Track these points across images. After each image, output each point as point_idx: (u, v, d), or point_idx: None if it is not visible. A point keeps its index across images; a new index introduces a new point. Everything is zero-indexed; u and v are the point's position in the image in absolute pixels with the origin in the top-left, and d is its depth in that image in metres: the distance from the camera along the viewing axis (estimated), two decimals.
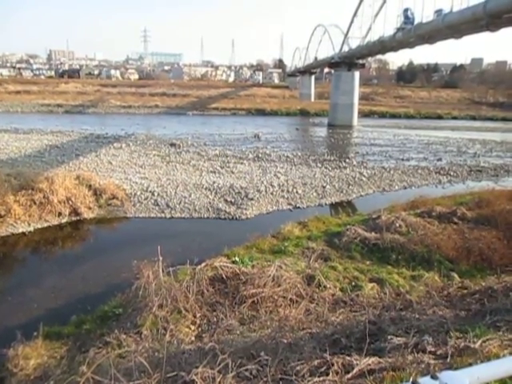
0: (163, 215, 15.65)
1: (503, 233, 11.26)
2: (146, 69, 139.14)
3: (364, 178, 22.67)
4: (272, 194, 18.61)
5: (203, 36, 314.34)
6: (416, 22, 35.25)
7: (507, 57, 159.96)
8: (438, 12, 31.23)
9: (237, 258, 9.41)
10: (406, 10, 36.81)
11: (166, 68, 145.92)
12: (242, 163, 25.35)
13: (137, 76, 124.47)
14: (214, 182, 19.93)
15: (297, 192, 19.06)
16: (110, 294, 8.33)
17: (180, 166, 24.02)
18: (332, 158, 28.50)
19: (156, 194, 17.72)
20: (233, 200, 17.35)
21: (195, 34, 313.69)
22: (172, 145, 31.70)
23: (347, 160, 28.04)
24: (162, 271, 7.65)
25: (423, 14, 34.03)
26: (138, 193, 17.79)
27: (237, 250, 10.58)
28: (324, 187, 20.18)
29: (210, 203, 16.87)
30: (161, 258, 7.69)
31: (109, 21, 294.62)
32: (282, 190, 19.20)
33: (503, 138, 45.10)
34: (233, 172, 22.69)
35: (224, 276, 7.95)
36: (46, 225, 14.07)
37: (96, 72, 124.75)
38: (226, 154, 28.68)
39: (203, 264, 8.29)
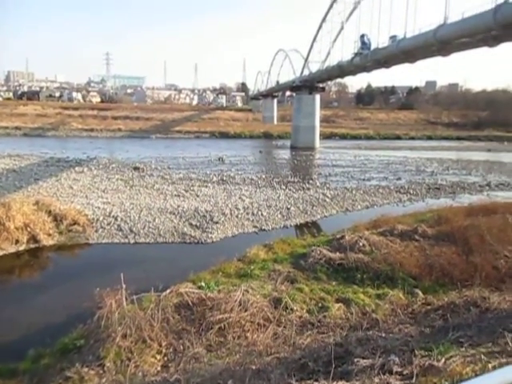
0: (127, 241, 15.29)
1: (462, 248, 11.65)
2: (108, 92, 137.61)
3: (327, 198, 23.03)
4: (237, 216, 18.57)
5: (166, 59, 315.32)
6: (372, 47, 36.75)
7: (458, 79, 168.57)
8: (393, 38, 32.75)
9: (203, 283, 9.27)
10: (362, 36, 38.38)
11: (129, 91, 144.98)
12: (206, 186, 25.27)
13: (99, 99, 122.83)
14: (178, 206, 19.71)
15: (262, 214, 19.11)
16: (71, 325, 7.98)
17: (144, 190, 23.67)
18: (296, 180, 28.87)
19: (119, 219, 17.33)
20: (198, 224, 17.19)
21: (158, 57, 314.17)
22: (135, 168, 31.28)
23: (310, 181, 28.47)
24: (126, 299, 7.43)
25: (379, 40, 35.62)
26: (101, 218, 17.34)
27: (203, 275, 10.43)
28: (288, 209, 20.33)
29: (174, 227, 16.64)
30: (124, 286, 7.47)
31: (71, 43, 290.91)
32: (247, 213, 19.20)
33: (458, 157, 47.20)
34: (197, 195, 22.54)
35: (190, 302, 7.80)
36: (1, 253, 13.44)
37: (57, 94, 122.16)
38: (190, 177, 28.54)
39: (168, 290, 8.11)
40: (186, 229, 16.50)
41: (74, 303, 9.30)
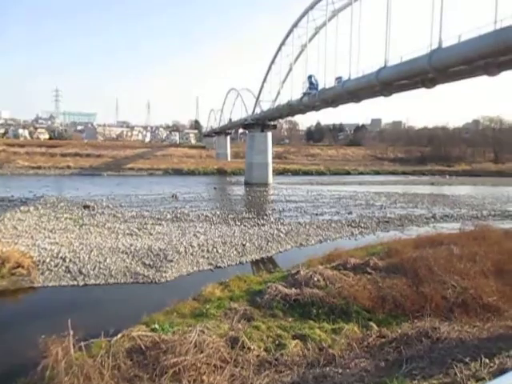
0: (75, 283, 14.58)
1: (412, 279, 12.01)
2: (57, 128, 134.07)
3: (282, 234, 23.21)
4: (192, 254, 18.29)
5: (118, 96, 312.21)
6: (320, 87, 38.36)
7: (401, 117, 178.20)
8: (339, 79, 34.39)
9: (156, 325, 8.97)
10: (309, 77, 40.10)
11: (80, 128, 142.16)
12: (160, 224, 24.82)
13: (47, 136, 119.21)
14: (131, 245, 19.19)
15: (217, 251, 18.93)
16: (11, 380, 7.42)
17: (94, 229, 22.90)
18: (250, 216, 28.99)
19: (68, 260, 16.57)
20: (151, 263, 16.75)
21: (110, 94, 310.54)
22: (85, 207, 30.32)
23: (265, 217, 28.69)
24: (74, 346, 7.04)
25: (326, 81, 37.31)
26: (48, 260, 16.52)
27: (156, 317, 10.10)
28: (244, 245, 20.29)
29: (127, 267, 16.10)
30: (72, 332, 7.09)
31: (17, 78, 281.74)
32: (202, 250, 18.96)
33: (405, 191, 49.33)
34: (151, 233, 22.08)
35: (143, 346, 7.49)
36: None
37: (1, 131, 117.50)
38: (143, 215, 27.99)
39: (120, 335, 7.78)
40: (138, 268, 16.01)
41: (16, 354, 8.70)
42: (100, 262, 16.49)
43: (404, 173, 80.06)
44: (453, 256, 14.12)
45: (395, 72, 25.73)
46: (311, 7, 40.67)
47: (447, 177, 73.97)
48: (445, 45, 21.41)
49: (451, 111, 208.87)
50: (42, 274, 15.14)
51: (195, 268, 16.68)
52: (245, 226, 25.25)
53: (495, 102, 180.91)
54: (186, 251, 18.64)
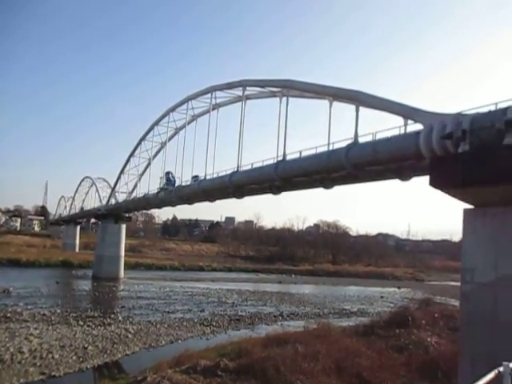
0: None
1: (261, 381, 12.16)
2: None
3: (130, 334, 21.78)
4: (20, 362, 15.89)
5: None
6: (177, 184, 39.37)
7: (253, 217, 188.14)
8: (195, 178, 35.87)
9: None
10: (167, 173, 41.19)
11: None
12: None
13: None
14: None
15: (53, 357, 16.79)
16: None
17: None
18: (96, 314, 26.75)
19: None
20: None
21: None
22: None
23: (112, 315, 26.77)
24: None
25: (183, 178, 38.52)
26: None
27: None
28: (86, 348, 18.44)
29: None
30: None
31: None
32: (34, 357, 16.62)
33: (255, 288, 51.13)
34: None
35: None
36: None
37: None
38: None
39: None
40: None
41: None
42: None
43: (255, 270, 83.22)
44: (298, 355, 14.81)
45: (246, 177, 27.97)
46: (172, 109, 42.90)
47: (293, 276, 78.87)
48: (289, 157, 24.30)
49: (297, 214, 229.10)
50: None
51: (23, 379, 14.47)
52: (88, 325, 23.11)
53: (333, 209, 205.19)
54: (12, 359, 16.15)
